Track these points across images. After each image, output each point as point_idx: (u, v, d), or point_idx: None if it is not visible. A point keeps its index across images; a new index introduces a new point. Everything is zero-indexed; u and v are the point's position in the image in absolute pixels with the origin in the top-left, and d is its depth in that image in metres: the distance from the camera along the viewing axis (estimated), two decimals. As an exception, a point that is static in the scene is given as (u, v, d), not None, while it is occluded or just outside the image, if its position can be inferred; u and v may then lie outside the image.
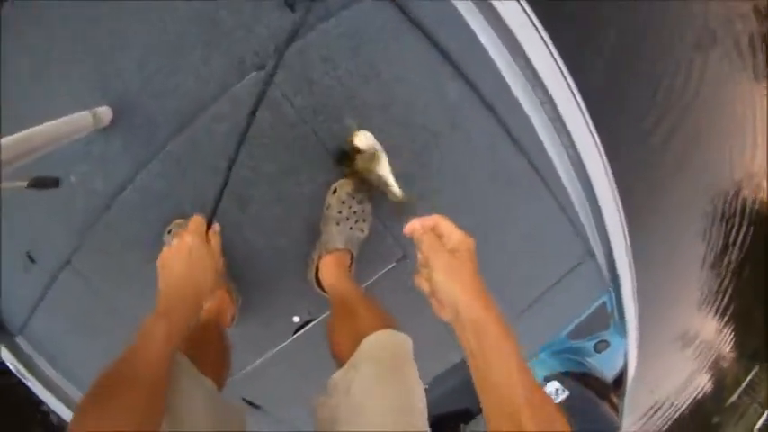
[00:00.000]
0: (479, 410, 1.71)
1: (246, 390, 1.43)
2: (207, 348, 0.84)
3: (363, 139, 0.97)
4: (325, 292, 1.12)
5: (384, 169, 0.99)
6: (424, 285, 0.58)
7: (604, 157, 1.33)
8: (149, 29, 0.96)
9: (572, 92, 1.20)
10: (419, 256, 0.60)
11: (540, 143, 1.24)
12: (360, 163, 1.00)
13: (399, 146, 1.09)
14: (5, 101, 1.01)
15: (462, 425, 1.85)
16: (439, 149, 1.14)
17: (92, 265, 1.18)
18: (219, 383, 0.80)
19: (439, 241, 0.58)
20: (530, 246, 1.38)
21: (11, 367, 1.35)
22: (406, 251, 1.26)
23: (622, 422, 1.98)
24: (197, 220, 0.75)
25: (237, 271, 1.19)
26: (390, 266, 1.28)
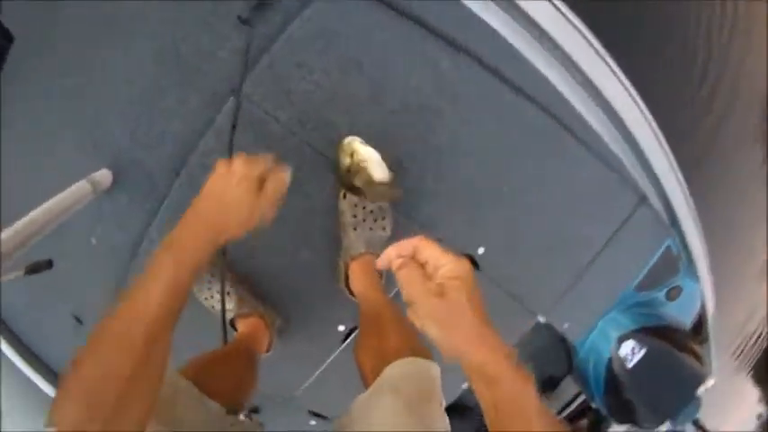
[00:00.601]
0: (564, 375, 1.63)
1: (311, 403, 1.45)
2: (225, 372, 0.84)
3: (347, 154, 0.89)
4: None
5: (377, 172, 0.92)
6: (418, 324, 0.47)
7: (634, 93, 1.17)
8: (121, 87, 0.96)
9: (576, 27, 1.06)
10: (402, 292, 0.47)
11: (557, 92, 1.11)
12: (352, 179, 0.93)
13: (401, 133, 1.02)
14: (7, 179, 1.05)
15: (549, 392, 1.80)
16: (446, 126, 1.05)
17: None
18: (234, 406, 0.79)
19: (422, 276, 0.45)
20: (575, 204, 1.26)
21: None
22: (440, 236, 1.18)
23: (711, 367, 1.83)
24: (255, 161, 0.64)
25: (271, 292, 1.19)
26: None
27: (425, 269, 0.46)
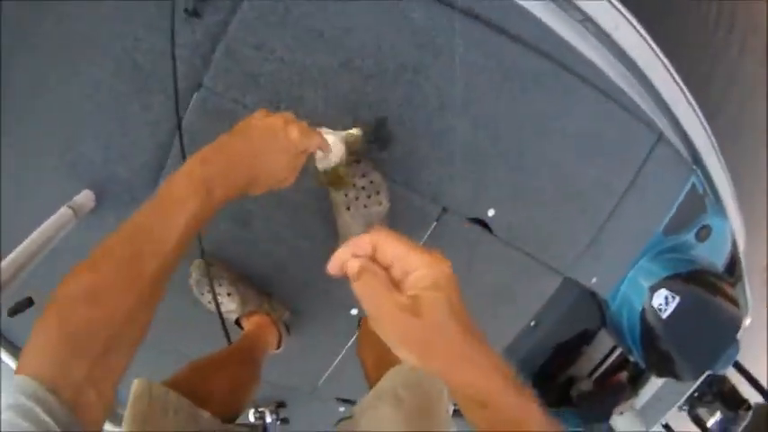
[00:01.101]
0: (599, 328, 1.58)
1: (336, 390, 1.45)
2: (220, 376, 0.83)
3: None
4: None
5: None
6: (389, 345, 0.37)
7: (631, 17, 1.06)
8: (85, 105, 0.92)
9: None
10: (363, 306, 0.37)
11: (549, 30, 1.00)
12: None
13: (384, 98, 0.95)
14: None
15: (585, 346, 1.76)
16: (430, 84, 0.97)
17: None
18: (236, 406, 0.80)
19: (387, 285, 0.36)
20: (586, 150, 1.17)
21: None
22: (445, 203, 1.12)
23: (748, 306, 1.75)
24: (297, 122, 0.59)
25: (276, 288, 1.17)
26: (432, 227, 1.15)
27: (391, 273, 0.36)
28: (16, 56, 0.91)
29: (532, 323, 1.44)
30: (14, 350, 1.32)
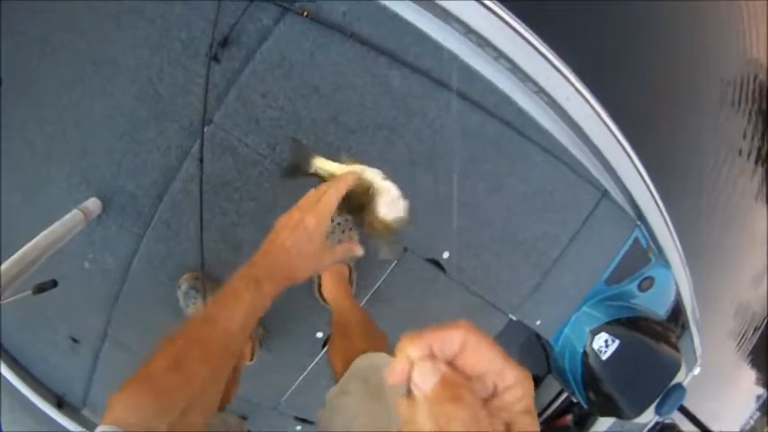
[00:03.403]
0: (545, 374, 1.80)
1: (296, 409, 1.63)
2: None
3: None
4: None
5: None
6: None
7: (582, 89, 1.34)
8: (105, 123, 1.15)
9: (515, 30, 1.22)
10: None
11: (508, 99, 1.29)
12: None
13: (362, 151, 1.20)
14: (9, 225, 1.25)
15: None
16: (403, 142, 1.24)
17: (126, 332, 1.41)
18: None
19: (481, 407, 0.29)
20: (535, 204, 1.45)
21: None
22: (406, 244, 1.37)
23: (697, 351, 2.00)
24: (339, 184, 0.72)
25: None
26: (393, 264, 1.40)
27: (474, 384, 0.30)
28: (47, 66, 1.13)
29: None
30: (14, 364, 1.47)
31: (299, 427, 1.64)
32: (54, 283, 1.00)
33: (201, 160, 0.99)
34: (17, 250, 1.03)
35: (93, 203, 1.21)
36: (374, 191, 0.82)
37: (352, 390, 0.81)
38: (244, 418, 1.57)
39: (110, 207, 1.23)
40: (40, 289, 0.98)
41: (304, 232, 0.68)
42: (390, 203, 0.81)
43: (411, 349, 0.29)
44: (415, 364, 0.29)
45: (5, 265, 1.00)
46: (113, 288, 1.33)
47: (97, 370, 1.46)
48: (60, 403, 1.51)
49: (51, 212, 1.12)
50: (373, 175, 0.85)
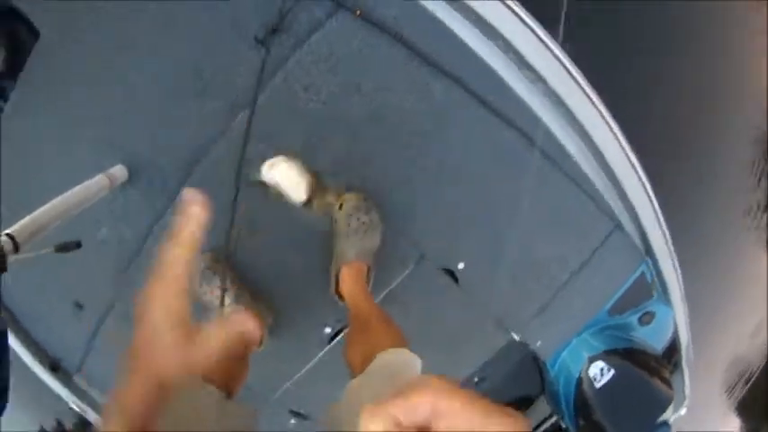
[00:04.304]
0: (538, 395, 1.84)
1: (293, 401, 1.63)
2: (219, 364, 0.94)
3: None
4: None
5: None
6: None
7: (612, 122, 1.38)
8: (143, 91, 1.15)
9: (560, 60, 1.26)
10: None
11: (540, 122, 1.31)
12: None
13: (394, 155, 1.22)
14: (33, 172, 1.24)
15: (522, 410, 1.98)
16: (435, 150, 1.26)
17: (132, 305, 1.39)
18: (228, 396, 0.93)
19: None
20: (551, 227, 1.47)
21: (72, 405, 1.61)
22: (424, 251, 1.38)
23: (684, 394, 2.03)
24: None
25: (264, 292, 1.37)
26: (409, 270, 1.41)
27: None
28: (91, 29, 1.12)
29: (476, 379, 1.68)
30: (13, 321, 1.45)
31: (292, 421, 1.63)
32: (78, 245, 1.00)
33: (245, 145, 1.00)
34: (36, 207, 1.02)
35: (119, 170, 1.20)
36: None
37: (376, 385, 0.82)
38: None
39: (136, 177, 1.23)
40: (63, 248, 0.97)
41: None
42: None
43: (373, 425, 0.25)
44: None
45: (26, 219, 0.99)
46: (127, 258, 1.33)
47: (97, 339, 1.45)
48: (54, 367, 1.49)
49: (75, 174, 1.11)
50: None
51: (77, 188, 1.09)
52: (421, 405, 0.25)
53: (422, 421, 0.25)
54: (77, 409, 1.57)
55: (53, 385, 1.51)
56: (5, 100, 1.27)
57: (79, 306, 1.42)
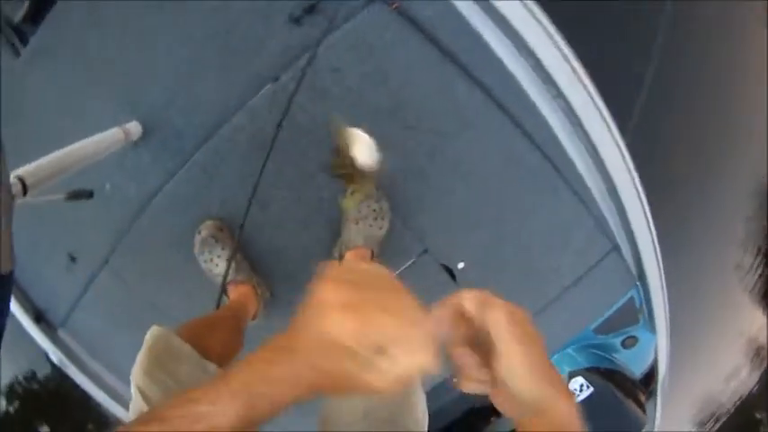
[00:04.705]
0: None
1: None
2: (215, 336, 0.95)
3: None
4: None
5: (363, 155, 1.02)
6: (474, 376, 0.47)
7: (624, 150, 1.41)
8: (171, 51, 1.15)
9: (584, 84, 1.29)
10: (461, 334, 0.47)
11: (555, 137, 1.33)
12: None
13: (410, 149, 1.22)
14: (47, 118, 1.22)
15: (494, 417, 2.00)
16: (451, 150, 1.27)
17: (128, 265, 1.39)
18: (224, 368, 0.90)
19: (507, 314, 0.47)
20: (552, 240, 1.49)
21: (53, 357, 1.59)
22: (427, 246, 1.39)
23: (657, 419, 2.07)
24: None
25: (264, 267, 1.37)
26: (411, 261, 1.42)
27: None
28: None
29: (455, 379, 1.69)
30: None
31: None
32: (90, 194, 0.98)
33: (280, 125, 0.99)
34: (47, 152, 1.00)
35: (134, 127, 1.20)
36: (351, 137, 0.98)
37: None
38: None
39: (150, 136, 1.22)
40: (75, 196, 0.96)
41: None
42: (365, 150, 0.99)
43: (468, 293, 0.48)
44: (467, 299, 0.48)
45: (36, 163, 0.97)
46: (128, 217, 1.32)
47: (87, 294, 1.44)
48: (39, 318, 1.47)
49: (90, 126, 1.10)
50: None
51: (92, 138, 1.08)
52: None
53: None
54: (58, 363, 1.55)
55: (35, 336, 1.49)
56: (25, 44, 1.25)
57: (73, 259, 1.40)
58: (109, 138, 1.12)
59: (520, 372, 0.44)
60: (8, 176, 0.80)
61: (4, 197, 0.72)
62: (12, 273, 0.85)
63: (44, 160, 0.99)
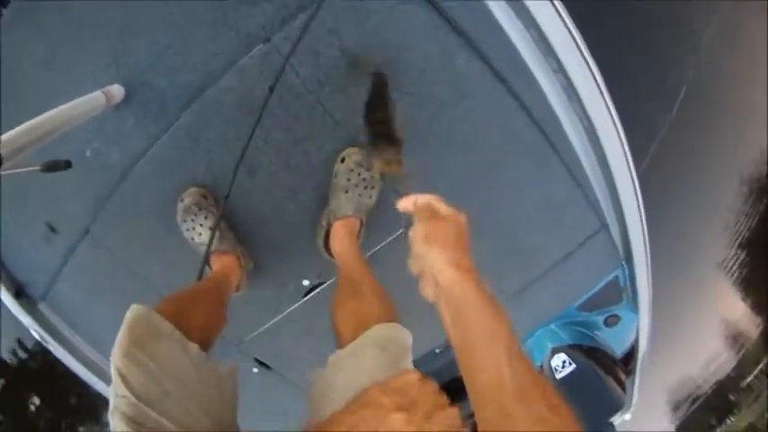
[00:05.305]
0: None
1: (258, 351, 1.60)
2: (198, 310, 0.93)
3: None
4: (333, 257, 1.25)
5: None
6: (414, 266, 0.64)
7: (620, 130, 1.39)
8: (157, 8, 1.06)
9: (586, 61, 1.25)
10: (410, 233, 0.65)
11: (553, 113, 1.30)
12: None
13: (409, 114, 1.18)
14: (24, 82, 1.14)
15: None
16: (447, 118, 1.23)
17: (110, 234, 1.33)
18: (207, 344, 0.88)
19: (429, 213, 0.65)
20: (542, 215, 1.48)
21: (34, 333, 1.54)
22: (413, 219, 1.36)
23: (633, 398, 2.13)
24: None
25: (248, 236, 1.33)
26: (400, 231, 1.39)
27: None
28: None
29: (438, 350, 1.69)
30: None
31: (255, 370, 1.61)
32: (68, 164, 0.92)
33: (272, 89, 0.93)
34: (24, 119, 0.93)
35: (117, 89, 1.12)
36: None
37: (367, 354, 0.79)
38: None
39: (133, 99, 1.15)
40: (51, 167, 0.90)
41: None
42: None
43: (410, 198, 0.71)
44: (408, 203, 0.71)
45: (13, 132, 0.89)
46: (110, 184, 1.25)
47: (67, 265, 1.38)
48: (18, 293, 1.41)
49: (69, 87, 1.04)
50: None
51: (72, 103, 1.01)
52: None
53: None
54: (38, 337, 1.50)
55: (15, 311, 1.43)
56: (5, 5, 1.16)
57: (53, 229, 1.33)
58: (89, 102, 1.05)
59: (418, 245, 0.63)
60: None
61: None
62: None
63: (22, 128, 0.92)
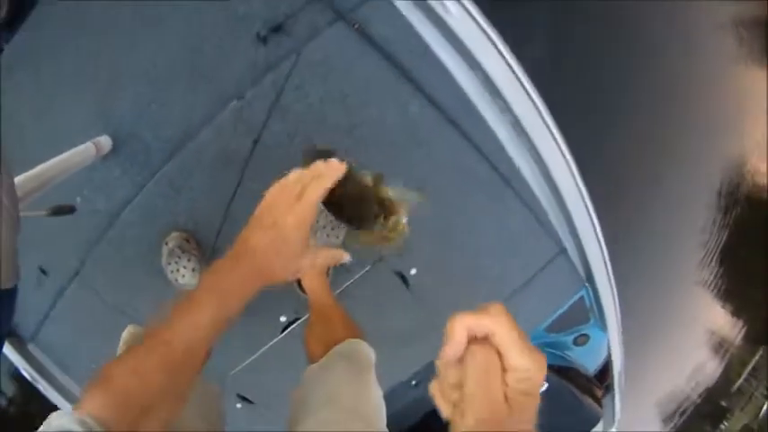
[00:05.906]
0: None
1: (240, 386, 1.66)
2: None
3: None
4: (305, 294, 1.34)
5: None
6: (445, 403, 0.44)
7: (568, 156, 1.51)
8: (140, 65, 1.20)
9: (530, 97, 1.39)
10: (449, 372, 0.44)
11: (502, 147, 1.44)
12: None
13: (365, 164, 1.30)
14: (20, 136, 1.25)
15: None
16: (404, 163, 1.36)
17: (98, 277, 1.41)
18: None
19: (496, 367, 0.41)
20: (501, 245, 1.59)
21: (23, 372, 1.58)
22: (382, 252, 1.47)
23: (616, 413, 2.17)
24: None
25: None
26: (367, 269, 1.50)
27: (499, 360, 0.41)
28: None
29: (414, 382, 1.75)
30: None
31: (239, 405, 1.66)
32: (72, 210, 1.01)
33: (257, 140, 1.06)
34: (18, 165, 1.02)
35: (105, 140, 1.24)
36: (396, 204, 0.71)
37: (337, 366, 0.88)
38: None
39: (119, 150, 1.26)
40: (57, 212, 0.99)
41: (280, 234, 0.59)
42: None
43: (460, 327, 0.43)
44: (459, 331, 0.43)
45: (18, 179, 0.99)
46: (98, 230, 1.35)
47: (56, 307, 1.45)
48: (9, 332, 1.48)
49: (59, 139, 1.14)
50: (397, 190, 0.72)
51: (67, 154, 1.12)
52: (485, 323, 0.42)
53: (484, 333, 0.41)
54: (29, 377, 1.55)
55: (5, 351, 1.49)
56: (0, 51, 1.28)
57: (44, 272, 1.42)
58: (81, 152, 1.17)
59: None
60: (14, 190, 0.82)
61: (8, 211, 0.76)
62: (16, 288, 0.88)
63: (22, 177, 1.03)
